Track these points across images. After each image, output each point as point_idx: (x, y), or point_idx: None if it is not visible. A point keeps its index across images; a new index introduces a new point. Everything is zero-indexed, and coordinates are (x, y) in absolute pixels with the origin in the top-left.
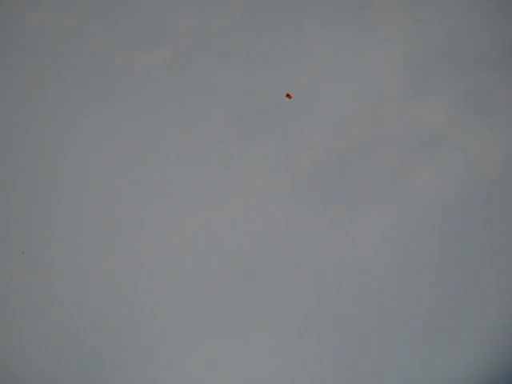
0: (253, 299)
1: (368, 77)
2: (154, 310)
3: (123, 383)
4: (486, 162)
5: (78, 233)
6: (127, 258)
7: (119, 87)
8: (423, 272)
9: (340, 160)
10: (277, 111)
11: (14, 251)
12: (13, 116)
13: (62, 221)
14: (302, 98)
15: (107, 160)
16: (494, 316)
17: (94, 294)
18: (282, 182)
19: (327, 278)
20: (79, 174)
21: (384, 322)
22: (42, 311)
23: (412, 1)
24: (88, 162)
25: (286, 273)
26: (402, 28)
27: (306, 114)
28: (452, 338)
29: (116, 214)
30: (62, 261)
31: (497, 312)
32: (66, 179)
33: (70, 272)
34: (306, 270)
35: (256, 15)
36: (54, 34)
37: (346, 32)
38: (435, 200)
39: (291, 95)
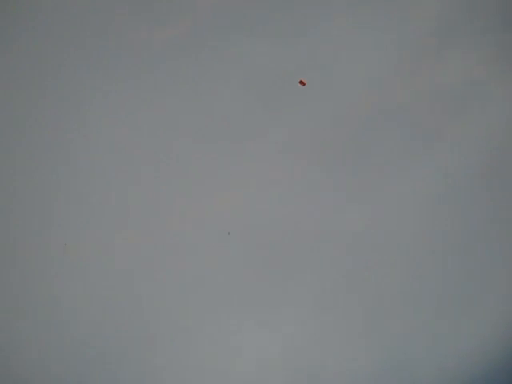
0: (276, 273)
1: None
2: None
3: (126, 379)
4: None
5: (78, 228)
6: (142, 240)
7: (133, 62)
8: (449, 240)
9: (362, 126)
10: (294, 85)
11: (12, 249)
12: (21, 97)
13: (63, 213)
14: (318, 72)
15: (116, 140)
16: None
17: (93, 293)
18: (299, 154)
19: (348, 251)
20: (89, 155)
21: (406, 291)
22: (42, 311)
23: None
24: (98, 140)
25: (305, 247)
26: None
27: (322, 85)
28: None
29: (124, 197)
30: (61, 260)
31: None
32: (78, 157)
33: (70, 271)
34: (326, 244)
35: None
36: (65, 8)
37: None
38: (463, 165)
39: (305, 82)
